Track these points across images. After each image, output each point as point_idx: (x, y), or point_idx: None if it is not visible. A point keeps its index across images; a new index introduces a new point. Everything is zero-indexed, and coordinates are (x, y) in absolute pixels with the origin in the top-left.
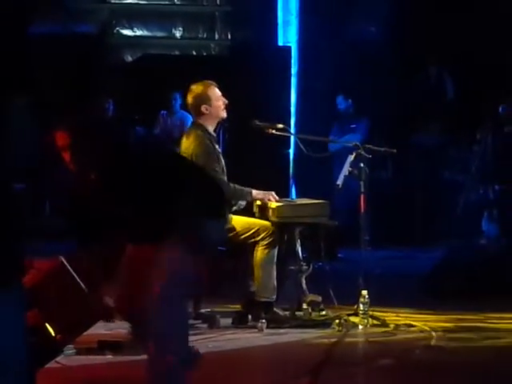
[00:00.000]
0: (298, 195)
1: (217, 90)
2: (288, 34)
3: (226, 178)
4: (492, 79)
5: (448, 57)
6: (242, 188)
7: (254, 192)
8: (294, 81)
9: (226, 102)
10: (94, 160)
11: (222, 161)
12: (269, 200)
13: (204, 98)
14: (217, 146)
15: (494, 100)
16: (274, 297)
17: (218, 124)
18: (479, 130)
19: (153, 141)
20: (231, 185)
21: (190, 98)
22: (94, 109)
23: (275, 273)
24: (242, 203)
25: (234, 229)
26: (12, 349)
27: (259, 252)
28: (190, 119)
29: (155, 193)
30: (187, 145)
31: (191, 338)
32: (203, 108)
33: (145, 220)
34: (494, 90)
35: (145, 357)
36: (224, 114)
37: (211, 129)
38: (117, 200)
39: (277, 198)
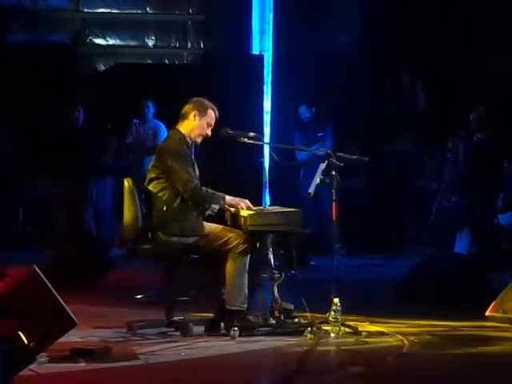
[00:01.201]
0: (272, 203)
1: (214, 116)
2: (264, 43)
3: (199, 183)
4: (463, 87)
5: (420, 65)
6: (214, 192)
7: (228, 198)
8: (268, 89)
9: (209, 135)
10: None
11: (196, 170)
12: (241, 208)
13: (201, 109)
14: (192, 156)
15: (465, 108)
16: (245, 305)
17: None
18: (451, 138)
19: None
20: (203, 188)
21: (189, 103)
22: (66, 117)
23: (247, 281)
24: (215, 207)
25: (206, 236)
26: None
27: (231, 260)
28: (162, 128)
29: None
30: (163, 147)
31: (165, 346)
32: (192, 114)
33: None
34: (465, 98)
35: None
36: (199, 140)
37: (188, 139)
38: None
39: (250, 205)
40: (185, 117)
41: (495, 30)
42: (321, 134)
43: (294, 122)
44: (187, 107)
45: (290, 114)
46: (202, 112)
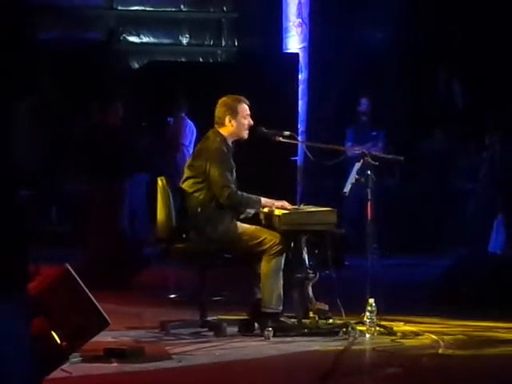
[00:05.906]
0: (305, 202)
1: (246, 108)
2: (287, 41)
3: (235, 188)
4: (501, 85)
5: (457, 64)
6: (250, 196)
7: (263, 201)
8: (302, 88)
9: (252, 123)
10: None
11: (234, 174)
12: (277, 208)
13: (232, 111)
14: (231, 160)
15: (503, 107)
16: (280, 308)
17: (236, 141)
18: (488, 136)
19: None
20: (239, 193)
21: (218, 107)
22: (109, 113)
23: (281, 282)
24: (251, 211)
25: (240, 237)
26: (16, 358)
27: (265, 262)
28: (193, 127)
29: None
30: (203, 147)
31: (198, 346)
32: (227, 120)
33: None
34: (503, 96)
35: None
36: (245, 135)
37: (229, 141)
38: None
39: (288, 205)
40: (221, 123)
41: None
42: (375, 133)
43: (337, 119)
44: (219, 112)
45: (324, 112)
46: (234, 113)
